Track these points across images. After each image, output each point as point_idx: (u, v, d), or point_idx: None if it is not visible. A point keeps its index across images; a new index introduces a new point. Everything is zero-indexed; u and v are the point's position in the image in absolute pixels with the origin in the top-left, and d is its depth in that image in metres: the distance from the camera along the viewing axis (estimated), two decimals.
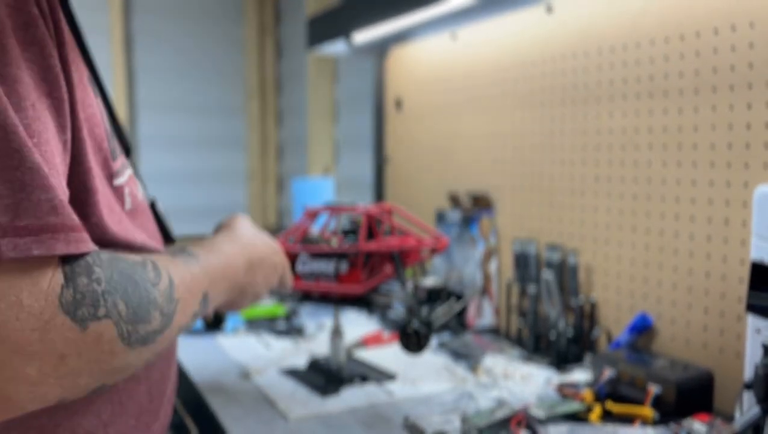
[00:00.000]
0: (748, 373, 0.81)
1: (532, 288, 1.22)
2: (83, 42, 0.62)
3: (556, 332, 1.14)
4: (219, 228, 0.82)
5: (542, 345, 1.20)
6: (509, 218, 1.36)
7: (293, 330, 1.32)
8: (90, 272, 0.47)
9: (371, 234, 0.98)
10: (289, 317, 1.39)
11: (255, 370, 1.10)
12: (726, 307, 0.94)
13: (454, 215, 1.44)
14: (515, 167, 1.34)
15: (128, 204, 0.64)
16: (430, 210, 1.55)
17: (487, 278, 1.37)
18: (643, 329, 1.05)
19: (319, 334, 1.31)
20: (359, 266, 0.96)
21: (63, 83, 0.50)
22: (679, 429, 0.83)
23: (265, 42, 2.96)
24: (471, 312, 1.35)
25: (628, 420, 0.88)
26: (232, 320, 1.35)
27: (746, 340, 0.82)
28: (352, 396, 0.98)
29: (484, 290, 1.37)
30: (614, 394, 0.94)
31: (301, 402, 0.96)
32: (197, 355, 1.18)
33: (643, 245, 1.06)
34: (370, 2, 1.38)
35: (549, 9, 1.23)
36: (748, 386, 0.77)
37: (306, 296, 1.04)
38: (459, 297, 1.03)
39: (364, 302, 1.01)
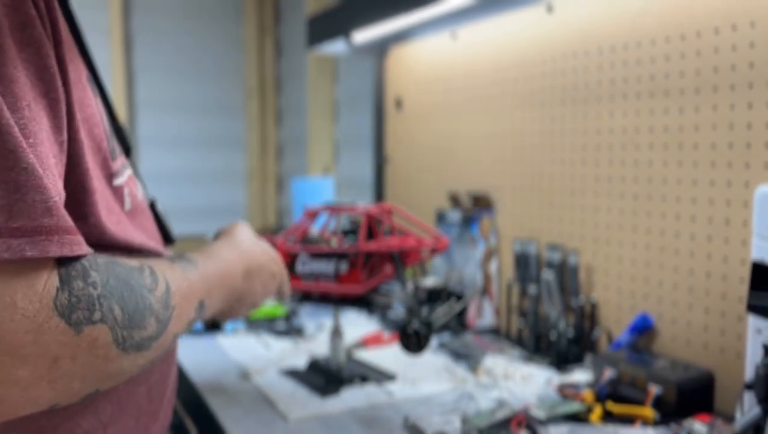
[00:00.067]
0: (749, 373, 0.80)
1: (532, 288, 1.21)
2: (83, 41, 0.62)
3: (557, 332, 1.13)
4: (218, 235, 0.82)
5: (543, 345, 1.20)
6: (509, 218, 1.36)
7: (293, 331, 1.32)
8: (86, 276, 0.47)
9: (371, 234, 0.98)
10: (289, 317, 1.39)
11: (255, 370, 1.09)
12: (727, 307, 0.93)
13: (455, 215, 1.44)
14: (516, 167, 1.34)
15: (128, 204, 0.64)
16: (430, 210, 1.55)
17: (487, 278, 1.37)
18: (643, 329, 1.05)
19: (319, 334, 1.31)
20: (359, 267, 0.95)
21: (60, 84, 0.50)
22: (680, 430, 0.83)
23: (264, 41, 2.96)
24: (471, 312, 1.35)
25: (628, 420, 0.88)
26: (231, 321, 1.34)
27: (747, 340, 0.82)
28: (352, 397, 0.98)
29: (485, 291, 1.36)
30: (615, 395, 0.94)
31: (301, 402, 0.96)
32: (197, 355, 1.18)
33: (644, 245, 1.06)
34: (370, 2, 1.38)
35: (549, 8, 1.23)
36: (749, 386, 0.77)
37: (306, 297, 1.03)
38: (459, 297, 1.02)
39: (364, 302, 1.00)
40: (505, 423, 0.86)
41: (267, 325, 1.35)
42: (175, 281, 0.58)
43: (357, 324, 1.36)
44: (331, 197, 1.85)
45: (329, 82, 2.41)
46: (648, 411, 0.87)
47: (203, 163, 2.93)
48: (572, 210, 1.20)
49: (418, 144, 1.67)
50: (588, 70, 1.15)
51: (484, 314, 1.36)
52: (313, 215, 1.04)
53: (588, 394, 0.94)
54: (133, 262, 0.54)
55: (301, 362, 1.12)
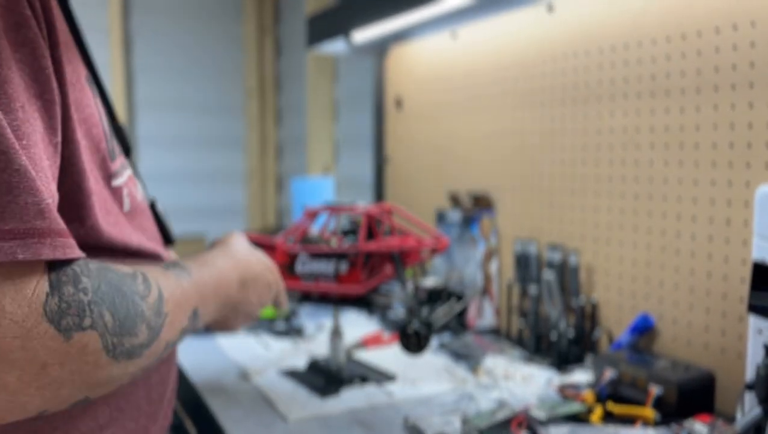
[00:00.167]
0: (750, 374, 0.80)
1: (533, 289, 1.21)
2: (82, 41, 0.62)
3: (557, 332, 1.13)
4: (214, 244, 0.81)
5: (543, 345, 1.20)
6: (510, 218, 1.35)
7: (293, 331, 1.32)
8: (77, 282, 0.46)
9: (371, 234, 0.98)
10: (289, 317, 1.39)
11: (254, 371, 1.09)
12: (727, 307, 0.93)
13: (455, 215, 1.43)
14: (516, 167, 1.33)
15: (127, 205, 0.63)
16: (431, 210, 1.54)
17: (487, 278, 1.37)
18: (644, 329, 1.05)
19: (319, 335, 1.31)
20: (359, 267, 0.95)
21: (55, 85, 0.49)
22: (681, 430, 0.83)
23: (264, 41, 2.95)
24: (471, 313, 1.34)
25: (629, 421, 0.87)
26: None
27: (748, 341, 0.81)
28: (351, 397, 0.98)
29: (485, 291, 1.36)
30: (615, 395, 0.93)
31: (301, 403, 0.96)
32: (196, 356, 1.17)
33: (645, 245, 1.06)
34: (370, 1, 1.37)
35: (550, 8, 1.22)
36: (750, 387, 0.76)
37: (305, 297, 1.03)
38: (459, 298, 1.02)
39: (364, 302, 1.00)
40: (506, 423, 0.86)
41: (266, 325, 1.35)
42: (168, 288, 0.57)
43: (357, 325, 1.36)
44: (330, 197, 1.85)
45: (329, 82, 2.41)
46: (649, 412, 0.87)
47: (203, 163, 2.93)
48: (573, 210, 1.20)
49: (418, 144, 1.67)
50: (588, 70, 1.15)
51: (484, 315, 1.35)
52: (312, 215, 1.04)
53: (588, 395, 0.94)
54: (126, 268, 0.54)
55: (300, 362, 1.12)
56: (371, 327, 1.36)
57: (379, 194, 1.86)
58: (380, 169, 1.86)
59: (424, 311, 0.94)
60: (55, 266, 0.45)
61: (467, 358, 1.14)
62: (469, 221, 1.40)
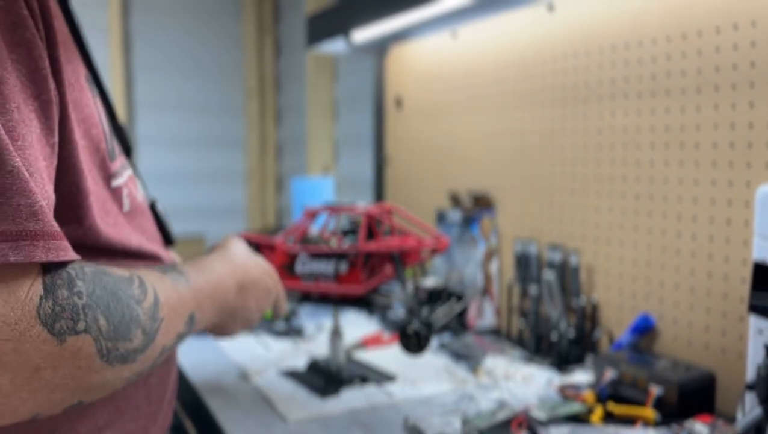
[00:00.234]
0: (750, 374, 0.80)
1: (533, 289, 1.21)
2: (83, 41, 0.61)
3: (558, 333, 1.13)
4: (212, 249, 0.80)
5: (543, 346, 1.20)
6: (510, 218, 1.35)
7: (292, 331, 1.32)
8: (71, 285, 0.46)
9: (371, 234, 0.97)
10: (289, 318, 1.39)
11: (254, 371, 1.09)
12: (728, 308, 0.93)
13: (455, 215, 1.43)
14: (516, 167, 1.33)
15: (126, 206, 0.63)
16: (431, 210, 1.54)
17: (487, 278, 1.37)
18: (645, 330, 1.04)
19: (319, 335, 1.31)
20: (359, 267, 0.95)
21: (52, 85, 0.49)
22: (681, 431, 0.83)
23: (264, 40, 2.95)
24: (472, 313, 1.34)
25: (629, 421, 0.87)
26: None
27: (748, 341, 0.81)
28: (351, 398, 0.98)
29: (485, 291, 1.36)
30: (616, 395, 0.93)
31: (301, 403, 0.96)
32: (196, 356, 1.17)
33: (645, 245, 1.06)
34: (370, 1, 1.37)
35: (550, 7, 1.22)
36: (750, 387, 0.76)
37: (305, 297, 1.03)
38: (459, 298, 1.02)
39: (363, 302, 1.00)
40: (506, 424, 0.86)
41: (266, 325, 1.34)
42: (164, 292, 0.57)
43: (357, 325, 1.36)
44: (330, 197, 1.85)
45: (329, 82, 2.41)
46: (649, 412, 0.87)
47: (202, 163, 2.92)
48: (573, 210, 1.20)
49: (419, 144, 1.67)
50: (589, 70, 1.15)
51: (484, 315, 1.35)
52: (312, 215, 1.04)
53: (589, 395, 0.93)
54: (122, 272, 0.53)
55: (300, 363, 1.12)
56: (371, 327, 1.36)
57: (379, 194, 1.86)
58: (380, 169, 1.86)
59: (424, 311, 0.94)
60: (49, 269, 0.44)
61: (467, 358, 1.14)
62: (469, 221, 1.40)
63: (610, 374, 0.94)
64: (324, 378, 1.04)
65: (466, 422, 0.86)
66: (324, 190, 1.85)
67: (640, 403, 0.89)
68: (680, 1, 0.98)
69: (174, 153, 2.85)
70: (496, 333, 1.34)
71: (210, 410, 0.94)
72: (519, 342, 1.26)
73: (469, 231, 1.39)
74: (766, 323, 0.78)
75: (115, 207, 0.61)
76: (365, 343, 1.24)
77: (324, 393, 0.98)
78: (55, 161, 0.49)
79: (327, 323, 1.35)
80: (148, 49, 2.78)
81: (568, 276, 1.19)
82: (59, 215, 0.52)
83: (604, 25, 1.11)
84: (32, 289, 0.43)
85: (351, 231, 1.00)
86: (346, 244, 0.96)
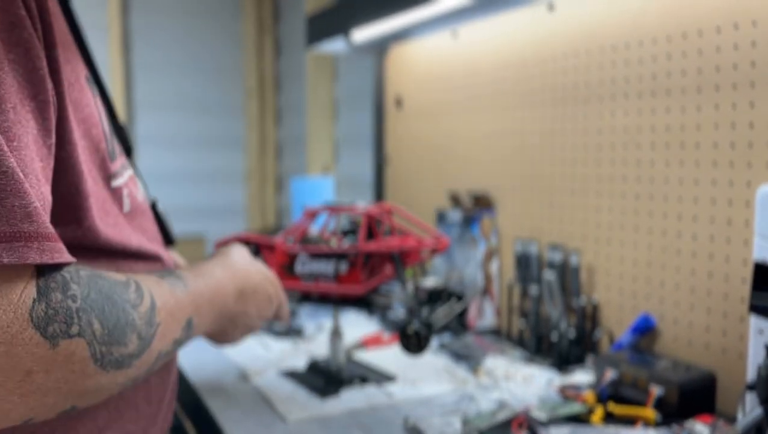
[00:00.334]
0: (751, 374, 0.80)
1: (533, 289, 1.21)
2: (83, 41, 0.61)
3: (558, 333, 1.13)
4: (212, 255, 0.80)
5: (544, 346, 1.20)
6: (510, 218, 1.35)
7: (292, 331, 1.32)
8: (66, 288, 0.45)
9: (371, 234, 0.97)
10: (291, 316, 1.39)
11: (254, 372, 1.09)
12: (729, 308, 0.93)
13: (455, 215, 1.43)
14: (516, 167, 1.33)
15: (126, 206, 0.63)
16: (431, 210, 1.54)
17: (488, 278, 1.36)
18: (645, 330, 1.04)
19: (319, 335, 1.30)
20: (359, 267, 0.95)
21: (50, 86, 0.49)
22: (681, 431, 0.82)
23: (263, 40, 2.95)
24: (472, 313, 1.34)
25: (630, 421, 0.87)
26: None
27: (749, 341, 0.81)
28: (351, 398, 0.97)
29: (485, 291, 1.36)
30: (616, 396, 0.93)
31: (301, 403, 0.95)
32: (196, 356, 1.17)
33: (646, 245, 1.05)
34: (370, 0, 1.37)
35: (550, 7, 1.22)
36: (751, 387, 0.76)
37: (305, 297, 1.03)
38: (460, 298, 1.02)
39: (363, 303, 1.00)
40: (506, 424, 0.86)
41: (266, 326, 1.34)
42: (161, 297, 0.56)
43: (357, 325, 1.36)
44: (330, 197, 1.85)
45: (329, 81, 2.40)
46: (649, 412, 0.87)
47: (202, 163, 2.92)
48: (573, 210, 1.20)
49: (419, 143, 1.67)
50: (589, 69, 1.15)
51: (484, 315, 1.35)
52: (312, 215, 1.04)
53: (589, 395, 0.93)
54: (119, 276, 0.53)
55: (300, 363, 1.12)
56: (371, 327, 1.35)
57: (379, 194, 1.86)
58: (380, 169, 1.85)
59: (425, 311, 0.93)
60: (44, 271, 0.44)
61: (468, 359, 1.14)
62: (469, 221, 1.40)
63: (610, 374, 0.94)
64: (324, 378, 1.04)
65: (466, 422, 0.85)
66: (324, 190, 1.85)
67: (641, 403, 0.89)
68: (681, 0, 0.98)
69: (174, 153, 2.85)
70: (496, 333, 1.34)
71: (210, 410, 0.94)
72: (519, 342, 1.25)
73: (469, 231, 1.39)
74: (766, 323, 0.78)
75: (115, 207, 0.61)
76: (365, 343, 1.23)
77: (324, 394, 0.98)
78: (52, 162, 0.49)
79: (327, 323, 1.35)
80: (148, 48, 2.78)
81: (568, 276, 1.19)
82: (58, 215, 0.51)
83: (605, 24, 1.11)
84: (25, 291, 0.42)
85: (351, 231, 1.00)
86: (346, 244, 0.96)
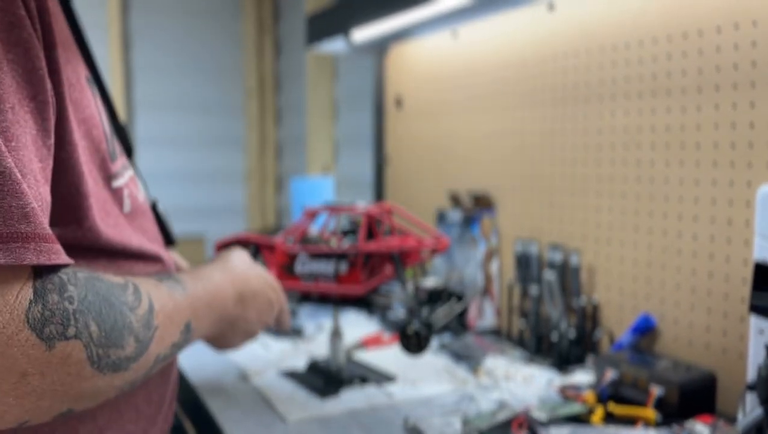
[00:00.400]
0: (751, 374, 0.80)
1: (533, 289, 1.21)
2: (84, 41, 0.61)
3: (558, 333, 1.13)
4: (212, 259, 0.79)
5: (544, 346, 1.20)
6: (511, 218, 1.35)
7: (292, 331, 1.32)
8: (63, 290, 0.45)
9: (371, 234, 0.97)
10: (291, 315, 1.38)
11: (254, 372, 1.09)
12: (729, 308, 0.93)
13: (455, 215, 1.43)
14: (517, 167, 1.33)
15: (127, 207, 0.63)
16: (431, 210, 1.54)
17: (488, 278, 1.36)
18: (645, 330, 1.04)
19: (319, 335, 1.30)
20: (359, 267, 0.95)
21: (49, 86, 0.49)
22: (682, 431, 0.82)
23: (263, 39, 2.95)
24: (472, 313, 1.34)
25: (630, 421, 0.87)
26: None
27: (749, 341, 0.81)
28: (351, 398, 0.97)
29: (486, 291, 1.36)
30: (616, 396, 0.93)
31: (300, 403, 0.95)
32: (196, 356, 1.17)
33: (646, 246, 1.05)
34: (370, 0, 1.37)
35: (551, 7, 1.22)
36: (751, 387, 0.76)
37: (305, 297, 1.03)
38: (460, 298, 1.02)
39: (363, 303, 1.00)
40: (506, 424, 0.86)
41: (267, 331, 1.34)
42: (159, 300, 0.56)
43: (357, 325, 1.36)
44: (330, 197, 1.85)
45: (329, 81, 2.40)
46: (650, 412, 0.86)
47: (202, 163, 2.92)
48: (574, 210, 1.19)
49: (419, 143, 1.67)
50: (589, 69, 1.15)
51: (484, 315, 1.35)
52: (312, 215, 1.04)
53: (589, 395, 0.93)
54: (117, 279, 0.52)
55: (300, 363, 1.12)
56: (371, 327, 1.35)
57: (379, 194, 1.86)
58: (380, 169, 1.85)
59: (425, 311, 0.93)
60: (41, 273, 0.44)
61: (468, 359, 1.14)
62: (469, 221, 1.40)
63: (610, 374, 0.94)
64: (324, 378, 1.03)
65: (466, 422, 0.85)
66: (324, 190, 1.84)
67: (641, 404, 0.89)
68: (681, 0, 0.98)
69: (174, 153, 2.85)
70: (496, 333, 1.34)
71: (210, 410, 0.93)
72: (519, 342, 1.25)
73: (469, 231, 1.39)
74: (766, 323, 0.78)
75: (115, 208, 0.60)
76: (365, 343, 1.23)
77: (324, 394, 0.98)
78: (51, 163, 0.49)
79: (327, 323, 1.35)
80: (148, 48, 2.78)
81: (568, 276, 1.18)
82: (59, 216, 0.51)
83: (605, 24, 1.11)
84: (22, 293, 0.42)
85: (351, 231, 1.00)
86: (346, 244, 0.96)
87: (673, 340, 1.02)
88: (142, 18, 2.76)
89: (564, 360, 1.11)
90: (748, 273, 0.88)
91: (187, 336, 0.62)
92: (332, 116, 2.43)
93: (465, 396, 0.98)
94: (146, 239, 0.66)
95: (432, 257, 1.02)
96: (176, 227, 0.84)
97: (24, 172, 0.44)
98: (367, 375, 1.05)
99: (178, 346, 0.61)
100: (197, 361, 1.14)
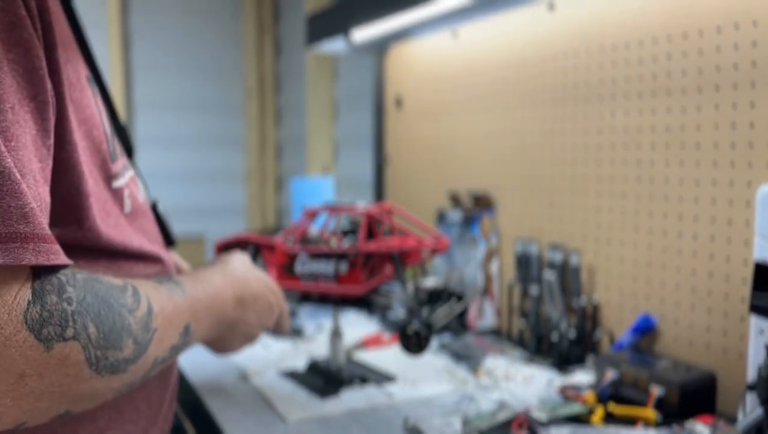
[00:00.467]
0: (751, 374, 0.80)
1: (533, 289, 1.21)
2: (85, 41, 0.61)
3: (558, 333, 1.13)
4: (212, 262, 0.79)
5: (544, 346, 1.20)
6: (511, 218, 1.35)
7: (292, 331, 1.32)
8: (61, 291, 0.45)
9: (371, 234, 0.97)
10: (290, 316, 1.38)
11: (254, 372, 1.09)
12: (729, 308, 0.93)
13: (455, 215, 1.43)
14: (517, 167, 1.33)
15: (128, 207, 0.63)
16: (431, 210, 1.54)
17: (488, 278, 1.36)
18: (645, 330, 1.04)
19: (319, 335, 1.30)
20: (359, 267, 0.95)
21: (49, 86, 0.48)
22: (682, 431, 0.82)
23: (263, 39, 2.95)
24: (472, 313, 1.34)
25: (630, 422, 0.87)
26: None
27: (749, 341, 0.81)
28: (351, 398, 0.97)
29: (486, 291, 1.36)
30: (617, 396, 0.93)
31: (300, 404, 0.95)
32: (196, 356, 1.17)
33: (646, 246, 1.05)
34: (370, 0, 1.37)
35: (551, 6, 1.22)
36: (751, 387, 0.76)
37: (305, 297, 1.03)
38: (460, 298, 1.02)
39: (363, 303, 1.00)
40: (506, 424, 0.86)
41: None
42: (158, 302, 0.56)
43: (357, 325, 1.36)
44: (330, 197, 1.84)
45: (329, 81, 2.40)
46: (650, 413, 0.86)
47: (202, 163, 2.92)
48: (574, 210, 1.19)
49: (419, 143, 1.67)
50: (589, 69, 1.15)
51: (485, 315, 1.35)
52: (312, 215, 1.04)
53: (590, 395, 0.93)
54: (116, 280, 0.52)
55: (300, 363, 1.12)
56: (371, 327, 1.35)
57: (379, 194, 1.86)
58: (380, 169, 1.85)
59: (425, 311, 0.93)
60: (39, 273, 0.44)
61: (468, 359, 1.14)
62: (469, 221, 1.40)
63: (610, 374, 0.94)
64: (324, 378, 1.03)
65: (466, 423, 0.85)
66: (324, 190, 1.84)
67: (641, 404, 0.89)
68: (681, 0, 0.98)
69: (174, 153, 2.85)
70: (496, 333, 1.34)
71: (210, 410, 0.93)
72: (519, 342, 1.25)
73: (469, 231, 1.39)
74: (766, 323, 0.78)
75: (116, 208, 0.60)
76: (365, 343, 1.23)
77: (324, 394, 0.98)
78: (50, 163, 0.49)
79: (327, 323, 1.35)
80: (148, 48, 2.78)
81: (568, 276, 1.18)
82: (59, 216, 0.51)
83: (605, 24, 1.11)
84: (20, 293, 0.42)
85: (351, 231, 1.00)
86: (346, 244, 0.96)
87: (674, 340, 1.02)
88: (142, 18, 2.76)
89: (564, 360, 1.11)
90: (748, 273, 0.88)
91: (186, 339, 0.62)
92: (332, 116, 2.43)
93: (465, 396, 0.98)
94: (146, 240, 0.66)
95: (432, 257, 1.02)
96: (176, 227, 0.84)
97: (23, 172, 0.43)
98: (367, 375, 1.05)
99: (177, 349, 0.61)
100: (197, 361, 1.14)
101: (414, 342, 0.89)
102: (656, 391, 0.88)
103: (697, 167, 0.96)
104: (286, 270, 1.00)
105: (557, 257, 1.19)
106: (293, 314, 1.40)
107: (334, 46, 1.66)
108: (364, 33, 1.46)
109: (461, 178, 1.50)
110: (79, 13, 0.63)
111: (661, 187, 1.02)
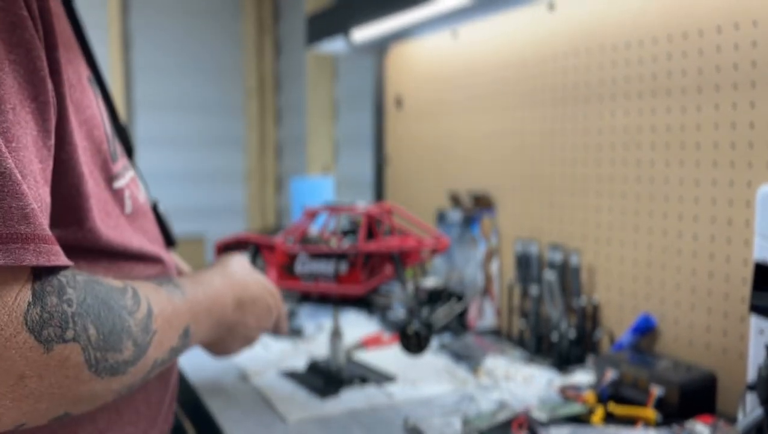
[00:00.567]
0: (752, 374, 0.80)
1: (533, 289, 1.21)
2: (86, 41, 0.61)
3: (558, 333, 1.13)
4: (212, 265, 0.79)
5: (544, 346, 1.20)
6: (511, 218, 1.35)
7: (292, 331, 1.32)
8: (61, 293, 0.45)
9: (371, 234, 0.97)
10: (288, 318, 1.38)
11: (254, 372, 1.09)
12: (729, 308, 0.93)
13: (455, 215, 1.43)
14: (517, 167, 1.33)
15: (128, 207, 0.63)
16: (431, 210, 1.54)
17: (488, 278, 1.36)
18: (646, 330, 1.04)
19: (319, 335, 1.30)
20: (359, 267, 0.95)
21: (50, 87, 0.48)
22: (682, 431, 0.82)
23: (263, 39, 2.95)
24: (472, 313, 1.34)
25: (630, 422, 0.87)
26: None
27: (749, 341, 0.81)
28: (351, 398, 0.97)
29: (486, 291, 1.36)
30: (617, 396, 0.93)
31: (300, 404, 0.95)
32: (195, 356, 1.17)
33: (646, 246, 1.05)
34: (370, 0, 1.37)
35: (551, 6, 1.22)
36: (752, 387, 0.76)
37: (305, 297, 1.03)
38: (460, 298, 1.02)
39: (363, 303, 1.00)
40: (506, 424, 0.86)
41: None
42: (158, 304, 0.56)
43: (357, 325, 1.36)
44: (330, 197, 1.84)
45: (329, 81, 2.40)
46: (650, 413, 0.86)
47: (202, 163, 2.92)
48: (574, 210, 1.19)
49: (419, 143, 1.67)
50: (589, 69, 1.15)
51: (485, 315, 1.35)
52: (312, 215, 1.04)
53: (590, 395, 0.93)
54: (116, 282, 0.52)
55: (300, 363, 1.12)
56: (371, 327, 1.35)
57: (379, 194, 1.86)
58: (380, 169, 1.85)
59: (425, 311, 0.93)
60: (40, 275, 0.44)
61: (468, 359, 1.14)
62: (469, 221, 1.40)
63: (610, 374, 0.94)
64: (324, 378, 1.03)
65: (466, 423, 0.85)
66: (324, 190, 1.84)
67: (641, 404, 0.89)
68: (681, 0, 0.98)
69: (174, 153, 2.85)
70: (496, 333, 1.34)
71: (210, 410, 0.93)
72: (519, 342, 1.25)
73: (469, 231, 1.39)
74: (767, 323, 0.78)
75: (116, 209, 0.60)
76: (365, 343, 1.23)
77: (324, 394, 0.98)
78: (51, 164, 0.49)
79: (327, 323, 1.35)
80: (148, 48, 2.78)
81: (568, 276, 1.18)
82: (59, 217, 0.51)
83: (605, 24, 1.11)
84: (20, 294, 0.42)
85: (351, 231, 1.00)
86: (346, 244, 0.96)
87: (674, 340, 1.02)
88: (142, 18, 2.76)
89: (564, 360, 1.11)
90: (748, 273, 0.88)
91: (185, 341, 0.62)
92: (332, 116, 2.43)
93: (465, 396, 0.98)
94: (147, 241, 0.66)
95: (432, 257, 1.02)
96: (176, 228, 0.84)
97: (24, 173, 0.43)
98: (367, 375, 1.05)
99: (177, 351, 0.61)
100: (197, 361, 1.14)
101: (414, 342, 0.89)
102: (656, 391, 0.88)
103: (697, 167, 0.96)
104: (286, 270, 1.00)
105: (557, 257, 1.19)
106: (293, 314, 1.40)
107: (334, 46, 1.66)
108: (364, 33, 1.46)
109: (461, 178, 1.50)
110: (80, 13, 0.63)
111: (661, 187, 1.02)
